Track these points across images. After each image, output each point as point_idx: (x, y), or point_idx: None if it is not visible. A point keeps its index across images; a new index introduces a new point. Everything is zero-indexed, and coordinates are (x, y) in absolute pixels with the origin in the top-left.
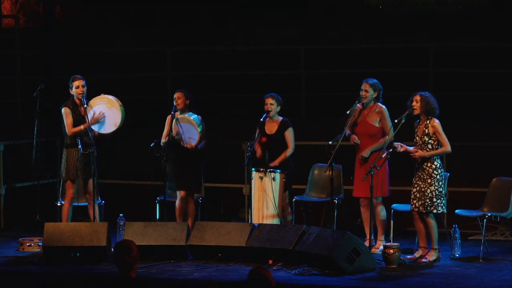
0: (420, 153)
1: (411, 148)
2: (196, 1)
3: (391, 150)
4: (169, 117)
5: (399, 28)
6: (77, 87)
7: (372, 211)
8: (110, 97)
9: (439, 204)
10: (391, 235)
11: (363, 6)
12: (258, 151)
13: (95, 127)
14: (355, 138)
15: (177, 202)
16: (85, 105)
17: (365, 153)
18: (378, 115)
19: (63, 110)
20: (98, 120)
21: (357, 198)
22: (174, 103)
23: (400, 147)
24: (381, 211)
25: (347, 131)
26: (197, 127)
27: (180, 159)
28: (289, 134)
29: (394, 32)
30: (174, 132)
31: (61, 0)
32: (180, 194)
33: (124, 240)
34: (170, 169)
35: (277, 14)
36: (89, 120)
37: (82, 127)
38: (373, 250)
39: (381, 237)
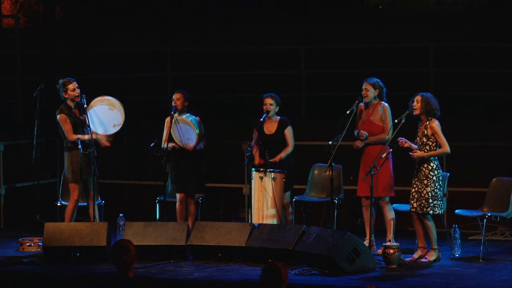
0: (418, 153)
1: (415, 146)
2: (197, 1)
3: (391, 150)
4: (168, 119)
5: (399, 28)
6: (73, 89)
7: (371, 211)
8: (111, 98)
9: (436, 205)
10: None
11: (363, 6)
12: (256, 159)
13: (98, 130)
14: (362, 133)
15: (177, 205)
16: (85, 105)
17: (359, 143)
18: (380, 113)
19: (58, 117)
20: (101, 141)
21: (359, 198)
22: (173, 104)
23: (405, 142)
24: (389, 211)
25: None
26: (195, 128)
27: (180, 161)
28: (289, 132)
29: (394, 32)
30: (172, 132)
31: (61, 0)
32: (178, 196)
33: (121, 240)
34: (171, 170)
35: (277, 14)
36: (92, 132)
37: (86, 137)
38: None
39: (390, 236)
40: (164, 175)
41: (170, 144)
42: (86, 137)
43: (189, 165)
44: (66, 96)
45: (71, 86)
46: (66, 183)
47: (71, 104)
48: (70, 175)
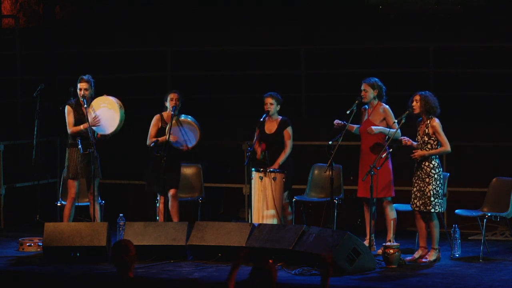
0: (419, 152)
1: (415, 144)
2: (196, 1)
3: (390, 150)
4: (157, 117)
5: (399, 28)
6: (80, 89)
7: (371, 211)
8: (112, 98)
9: (437, 204)
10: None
11: (363, 6)
12: (258, 152)
13: (96, 130)
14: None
15: (160, 205)
16: (85, 105)
17: (374, 129)
18: (382, 114)
19: (65, 108)
20: (95, 124)
21: (359, 198)
22: (173, 104)
23: (407, 140)
24: (391, 211)
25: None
26: (198, 129)
27: (157, 161)
28: (288, 133)
29: (394, 32)
30: (172, 137)
31: (61, 0)
32: (161, 198)
33: (121, 240)
34: (150, 170)
35: (277, 14)
36: (89, 121)
37: (81, 127)
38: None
39: (390, 236)
40: (164, 175)
41: (151, 140)
42: (82, 127)
43: (168, 163)
44: (77, 92)
45: (80, 85)
46: (65, 181)
47: (82, 102)
48: (66, 172)
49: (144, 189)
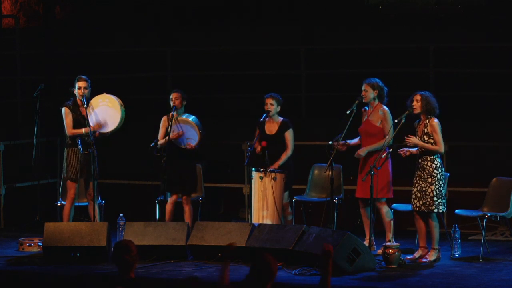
0: (414, 140)
1: (414, 150)
2: (196, 1)
3: (391, 150)
4: (164, 118)
5: (399, 28)
6: (79, 88)
7: (371, 211)
8: (112, 96)
9: (440, 204)
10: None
11: (363, 6)
12: (258, 148)
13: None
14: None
15: (169, 205)
16: (85, 105)
17: (362, 151)
18: (381, 116)
19: (62, 110)
20: (100, 126)
21: (358, 198)
22: (173, 103)
23: (406, 151)
24: (387, 212)
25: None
26: (198, 128)
27: (175, 161)
28: (289, 135)
29: (394, 32)
30: (172, 135)
31: (61, 0)
32: (173, 197)
33: (123, 240)
34: (163, 170)
35: (277, 14)
36: (91, 125)
37: (83, 130)
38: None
39: (389, 236)
40: (164, 175)
41: (161, 141)
42: (83, 130)
43: (185, 165)
44: (75, 92)
45: (79, 84)
46: (64, 181)
47: (79, 102)
48: (65, 173)
49: (143, 189)
